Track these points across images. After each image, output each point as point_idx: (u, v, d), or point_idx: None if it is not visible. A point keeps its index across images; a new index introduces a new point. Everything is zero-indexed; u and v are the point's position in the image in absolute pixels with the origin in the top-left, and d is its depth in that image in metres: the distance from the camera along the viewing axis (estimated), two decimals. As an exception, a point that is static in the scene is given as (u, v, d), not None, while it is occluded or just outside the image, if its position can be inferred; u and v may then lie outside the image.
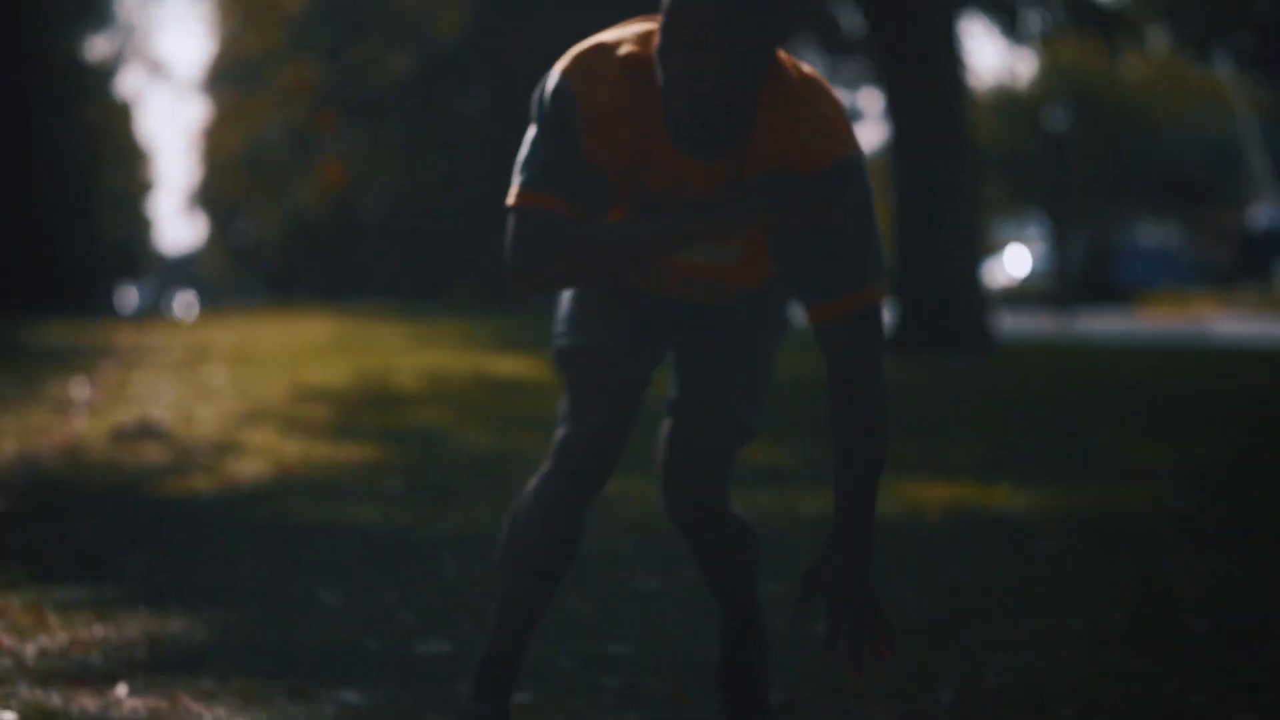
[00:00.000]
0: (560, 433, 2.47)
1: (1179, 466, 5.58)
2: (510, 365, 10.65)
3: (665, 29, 2.26)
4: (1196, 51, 36.88)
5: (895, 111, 12.65)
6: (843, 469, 2.45)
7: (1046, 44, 14.96)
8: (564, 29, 18.95)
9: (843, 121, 2.38)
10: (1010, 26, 12.64)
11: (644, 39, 2.39)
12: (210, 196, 49.84)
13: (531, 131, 2.41)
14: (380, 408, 7.89)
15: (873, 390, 2.43)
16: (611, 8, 7.94)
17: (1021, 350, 12.93)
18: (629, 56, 2.35)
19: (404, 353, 12.06)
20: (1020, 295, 32.11)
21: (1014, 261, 35.63)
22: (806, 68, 2.43)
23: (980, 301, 12.82)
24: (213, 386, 9.04)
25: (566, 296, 2.56)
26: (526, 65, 19.80)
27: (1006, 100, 34.94)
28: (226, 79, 36.53)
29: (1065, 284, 28.71)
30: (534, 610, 2.50)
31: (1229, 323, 22.11)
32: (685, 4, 2.23)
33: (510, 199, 2.38)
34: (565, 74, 2.36)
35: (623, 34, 2.41)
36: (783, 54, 2.38)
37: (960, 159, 12.71)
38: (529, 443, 6.29)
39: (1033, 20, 13.01)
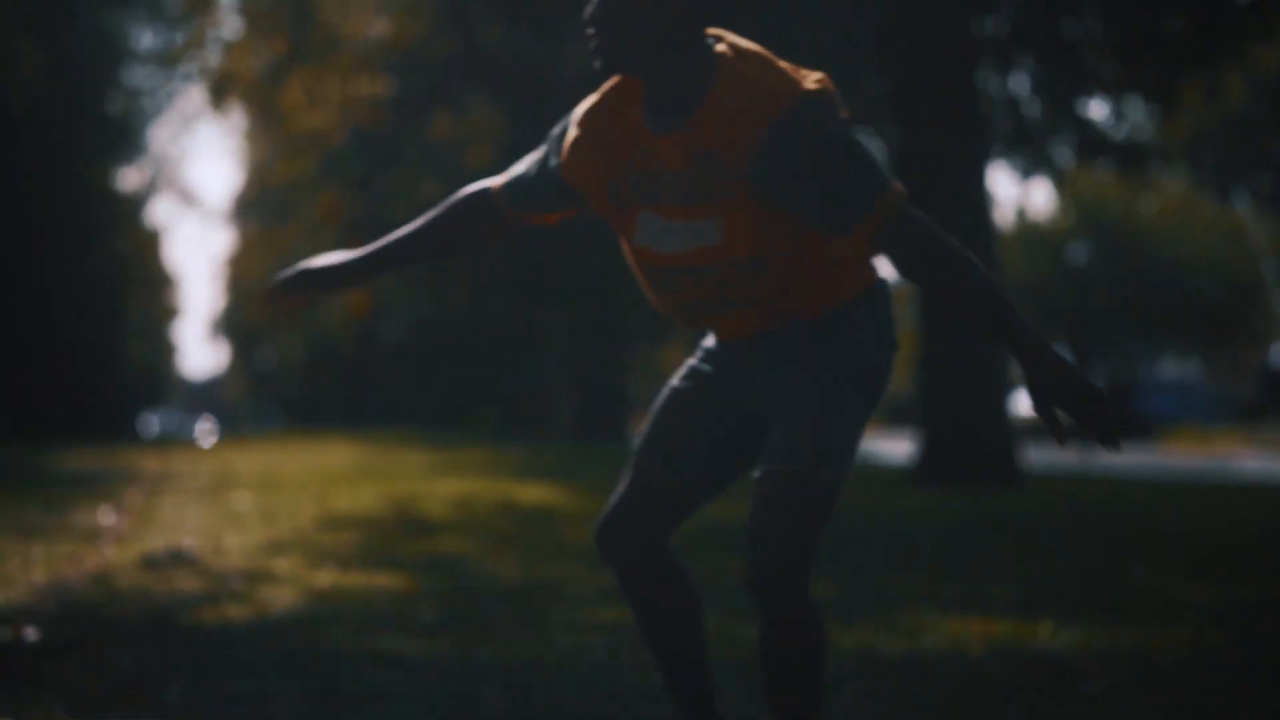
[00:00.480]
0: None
1: (1219, 605, 5.51)
2: (537, 493, 10.62)
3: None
4: (1216, 190, 37.26)
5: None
6: (973, 316, 2.50)
7: (1068, 178, 15.09)
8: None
9: (797, 73, 2.56)
10: (1039, 164, 12.79)
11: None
12: (233, 323, 50.20)
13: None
14: (410, 535, 7.85)
15: (941, 255, 2.50)
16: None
17: (1051, 483, 12.86)
18: (613, 85, 2.65)
19: (430, 479, 12.04)
20: (1041, 427, 32.03)
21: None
22: (754, 46, 2.63)
23: (1009, 434, 12.79)
24: (240, 513, 9.02)
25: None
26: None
27: (1029, 232, 35.16)
28: (253, 208, 36.99)
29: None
30: (680, 662, 2.80)
31: (1253, 459, 21.98)
32: None
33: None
34: (580, 105, 2.70)
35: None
36: (732, 36, 2.60)
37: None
38: (560, 573, 6.25)
39: (1060, 155, 13.14)
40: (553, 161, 2.72)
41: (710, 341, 2.77)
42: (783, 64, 2.59)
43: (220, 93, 12.22)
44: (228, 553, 6.88)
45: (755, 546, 2.55)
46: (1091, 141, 13.00)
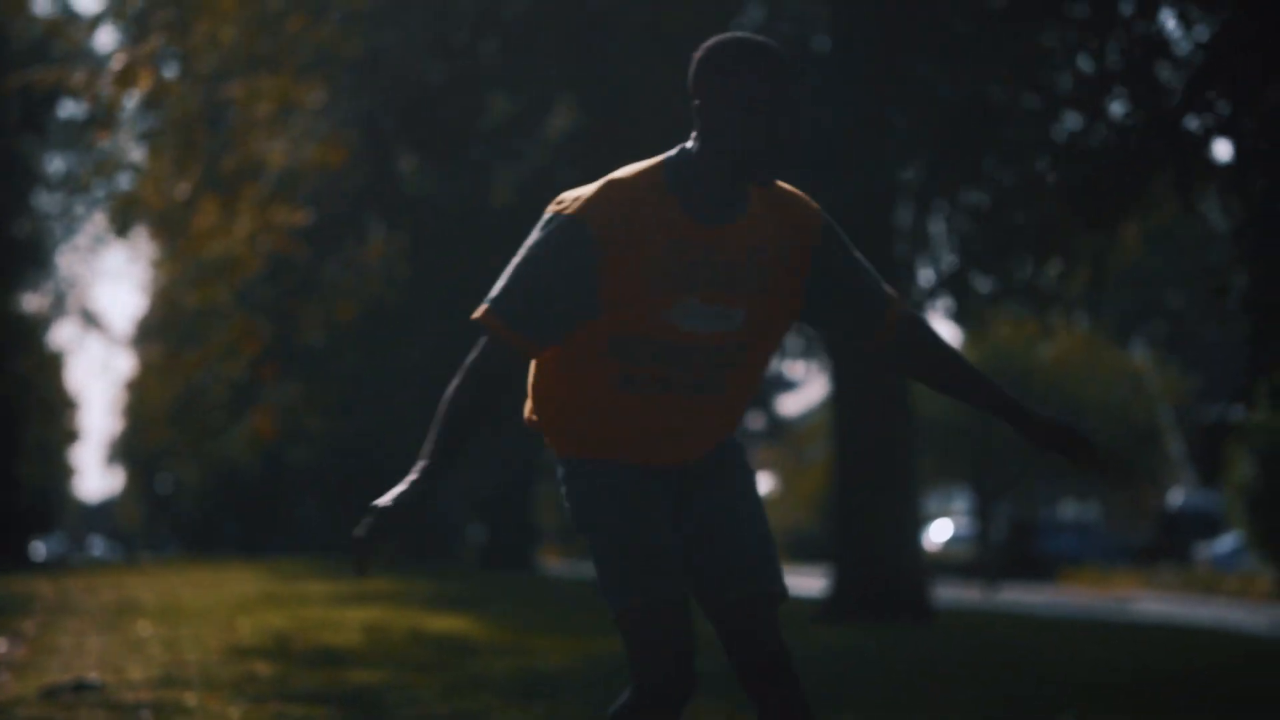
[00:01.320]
0: (634, 696, 2.83)
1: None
2: (449, 623, 10.46)
3: (740, 79, 2.75)
4: (1115, 336, 38.07)
5: (839, 379, 12.86)
6: (963, 389, 2.98)
7: (972, 320, 15.38)
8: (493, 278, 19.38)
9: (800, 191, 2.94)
10: (957, 306, 13.05)
11: (645, 169, 2.84)
12: (131, 447, 49.35)
13: (525, 261, 2.78)
14: (321, 666, 7.68)
15: (938, 337, 2.96)
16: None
17: (960, 620, 12.89)
18: (633, 183, 2.81)
19: (337, 608, 11.83)
20: (942, 563, 32.21)
21: (937, 529, 35.86)
22: None
23: (921, 571, 12.83)
24: (143, 641, 8.79)
25: (598, 554, 2.87)
26: (465, 316, 20.11)
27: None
28: (156, 332, 36.59)
29: (989, 555, 28.88)
30: None
31: (1152, 601, 22.20)
32: (780, 72, 2.75)
33: (482, 315, 2.78)
34: (581, 210, 2.78)
35: (618, 174, 2.83)
36: None
37: (904, 428, 12.88)
38: (480, 705, 6.14)
39: (973, 299, 13.38)
40: (583, 267, 2.76)
41: (626, 476, 2.88)
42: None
43: (124, 219, 12.12)
44: (133, 684, 6.69)
45: (752, 650, 2.83)
46: (1004, 287, 13.24)
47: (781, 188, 2.89)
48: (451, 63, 16.12)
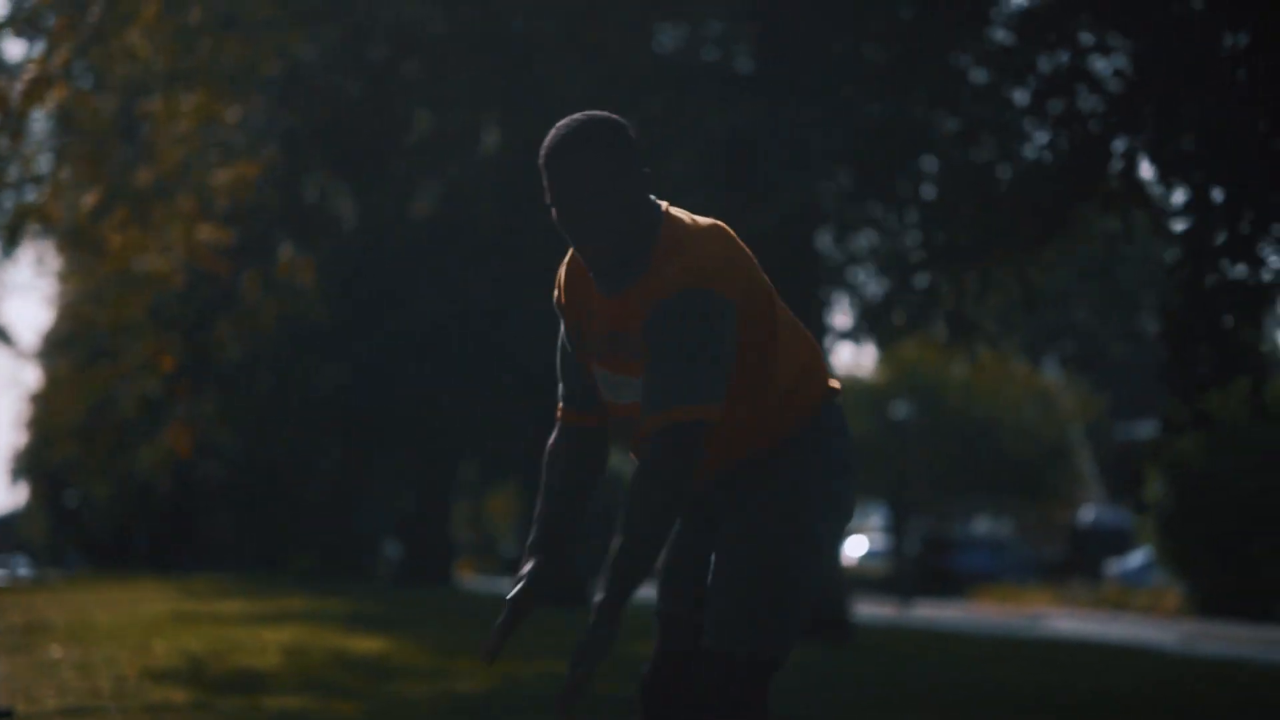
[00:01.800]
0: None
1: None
2: (370, 644, 10.35)
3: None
4: (1027, 354, 38.53)
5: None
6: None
7: (890, 340, 15.49)
8: (417, 308, 19.27)
9: (712, 263, 2.71)
10: (875, 328, 13.13)
11: None
12: (36, 462, 48.52)
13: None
14: (242, 689, 7.56)
15: (650, 491, 2.64)
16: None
17: (877, 638, 12.94)
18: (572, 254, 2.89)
19: (255, 628, 11.66)
20: (857, 578, 32.41)
21: (853, 544, 36.09)
22: (705, 221, 2.81)
23: (841, 589, 12.87)
24: (55, 665, 8.60)
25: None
26: (383, 335, 19.97)
27: (853, 388, 35.87)
28: (64, 347, 35.99)
29: (903, 571, 29.09)
30: None
31: (1064, 618, 22.46)
32: (548, 174, 2.72)
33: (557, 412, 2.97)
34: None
35: None
36: (682, 213, 2.80)
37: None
38: (405, 732, 6.07)
39: (894, 318, 13.46)
40: (563, 339, 2.95)
41: None
42: (713, 247, 2.75)
43: (15, 231, 11.86)
44: (46, 713, 6.54)
45: (672, 702, 2.86)
46: (921, 311, 13.30)
47: (683, 244, 2.73)
48: (371, 81, 16.04)
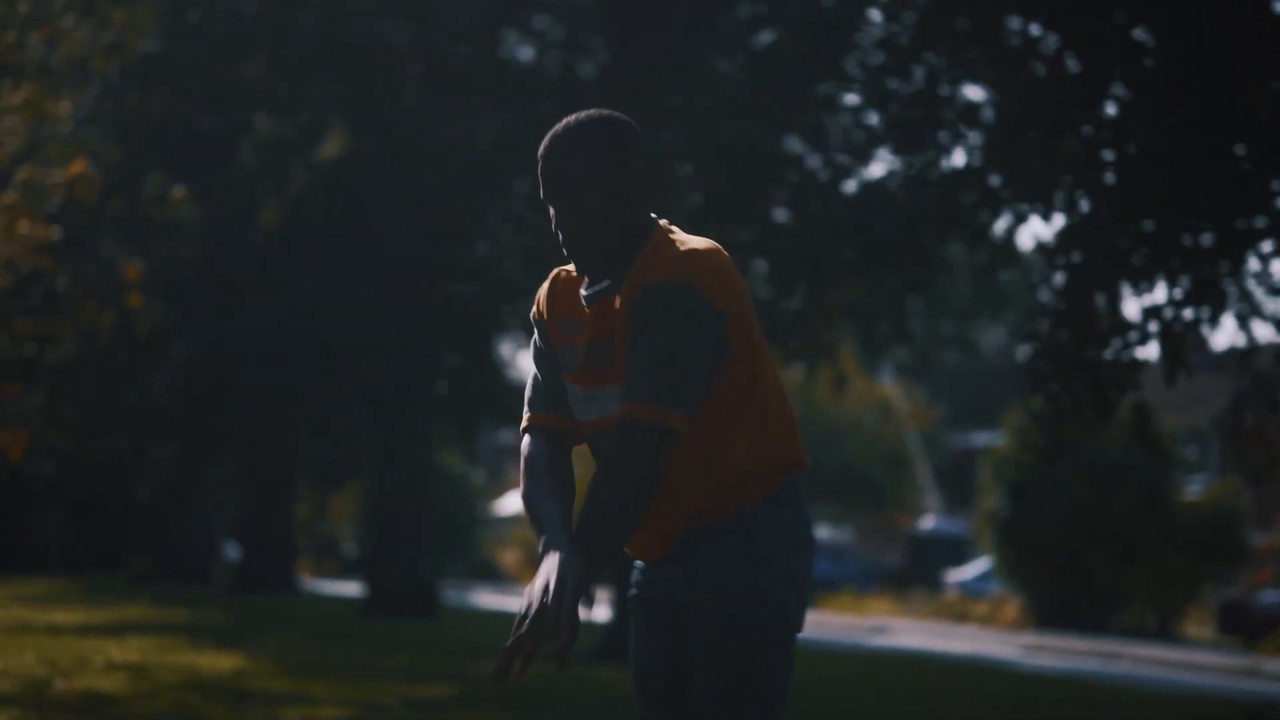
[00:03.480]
0: None
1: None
2: (219, 662, 10.01)
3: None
4: (864, 362, 39.03)
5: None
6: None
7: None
8: (255, 316, 18.85)
9: (702, 266, 2.68)
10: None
11: None
12: None
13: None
14: (83, 716, 7.21)
15: (608, 477, 2.63)
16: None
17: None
18: (559, 269, 2.90)
19: (95, 641, 11.22)
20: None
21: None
22: (702, 239, 2.76)
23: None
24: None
25: None
26: (217, 350, 19.55)
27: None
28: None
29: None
30: None
31: (906, 631, 22.76)
32: (540, 172, 2.74)
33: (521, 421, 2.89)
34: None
35: None
36: (678, 230, 2.77)
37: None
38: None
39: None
40: (540, 343, 2.88)
41: (638, 563, 2.87)
42: (705, 256, 2.70)
43: None
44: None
45: None
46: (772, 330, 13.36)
47: (673, 247, 2.70)
48: (215, 81, 15.71)
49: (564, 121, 2.75)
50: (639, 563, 2.86)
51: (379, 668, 10.29)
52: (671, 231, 2.77)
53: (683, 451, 2.68)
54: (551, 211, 2.76)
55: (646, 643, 2.81)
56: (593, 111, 2.77)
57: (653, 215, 2.79)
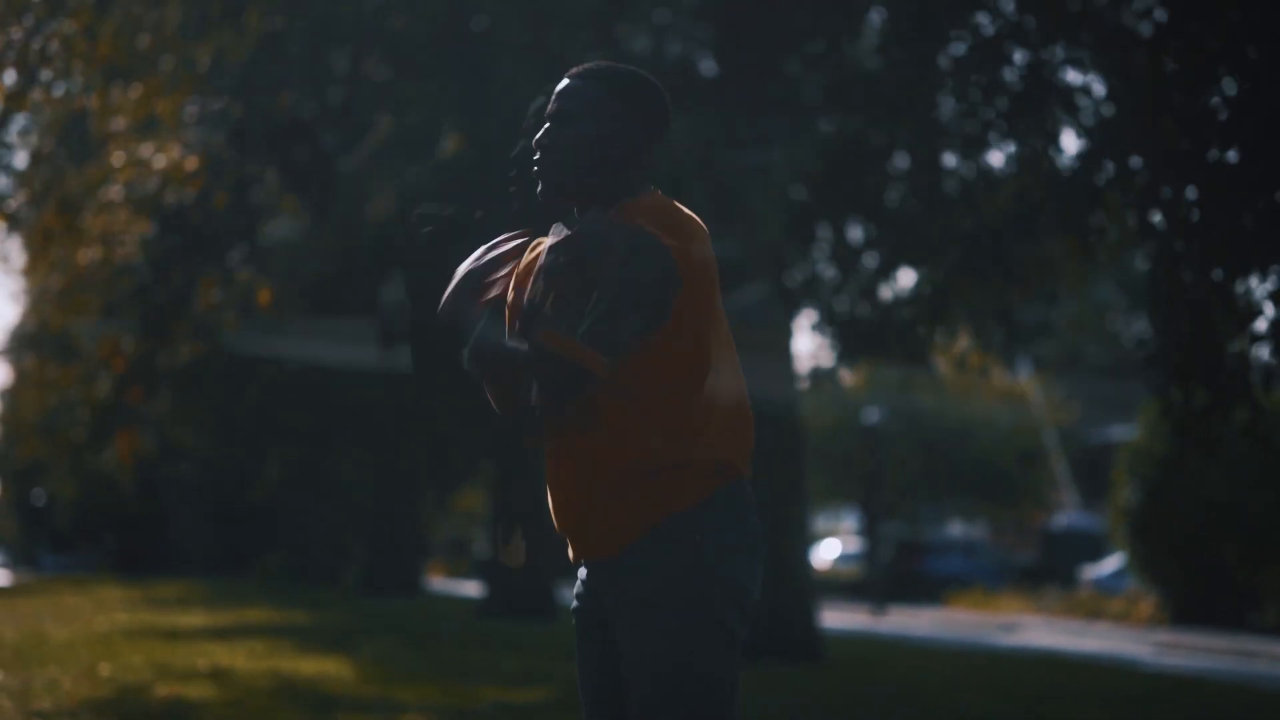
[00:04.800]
0: None
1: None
2: (316, 667, 10.02)
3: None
4: (1002, 356, 38.36)
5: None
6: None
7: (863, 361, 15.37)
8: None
9: (676, 223, 2.59)
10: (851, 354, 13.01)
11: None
12: (5, 460, 48.04)
13: None
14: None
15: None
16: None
17: (851, 660, 12.59)
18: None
19: (206, 646, 11.34)
20: (830, 582, 32.22)
21: (825, 547, 35.92)
22: (689, 213, 2.66)
23: (809, 601, 12.50)
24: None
25: None
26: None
27: (825, 391, 35.68)
28: (30, 343, 35.55)
29: (876, 575, 28.88)
30: None
31: (1037, 627, 22.28)
32: (561, 87, 2.70)
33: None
34: None
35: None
36: (676, 204, 2.67)
37: (796, 445, 12.70)
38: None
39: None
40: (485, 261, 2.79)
41: (581, 572, 2.76)
42: (686, 223, 2.63)
43: None
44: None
45: None
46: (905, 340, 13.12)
47: (655, 207, 2.66)
48: (330, 85, 15.79)
49: (599, 60, 2.76)
50: (581, 573, 2.75)
51: (482, 670, 10.23)
52: (662, 197, 2.69)
53: (597, 418, 2.59)
54: (535, 142, 2.69)
55: (588, 655, 2.73)
56: (631, 67, 2.76)
57: (653, 187, 2.71)
